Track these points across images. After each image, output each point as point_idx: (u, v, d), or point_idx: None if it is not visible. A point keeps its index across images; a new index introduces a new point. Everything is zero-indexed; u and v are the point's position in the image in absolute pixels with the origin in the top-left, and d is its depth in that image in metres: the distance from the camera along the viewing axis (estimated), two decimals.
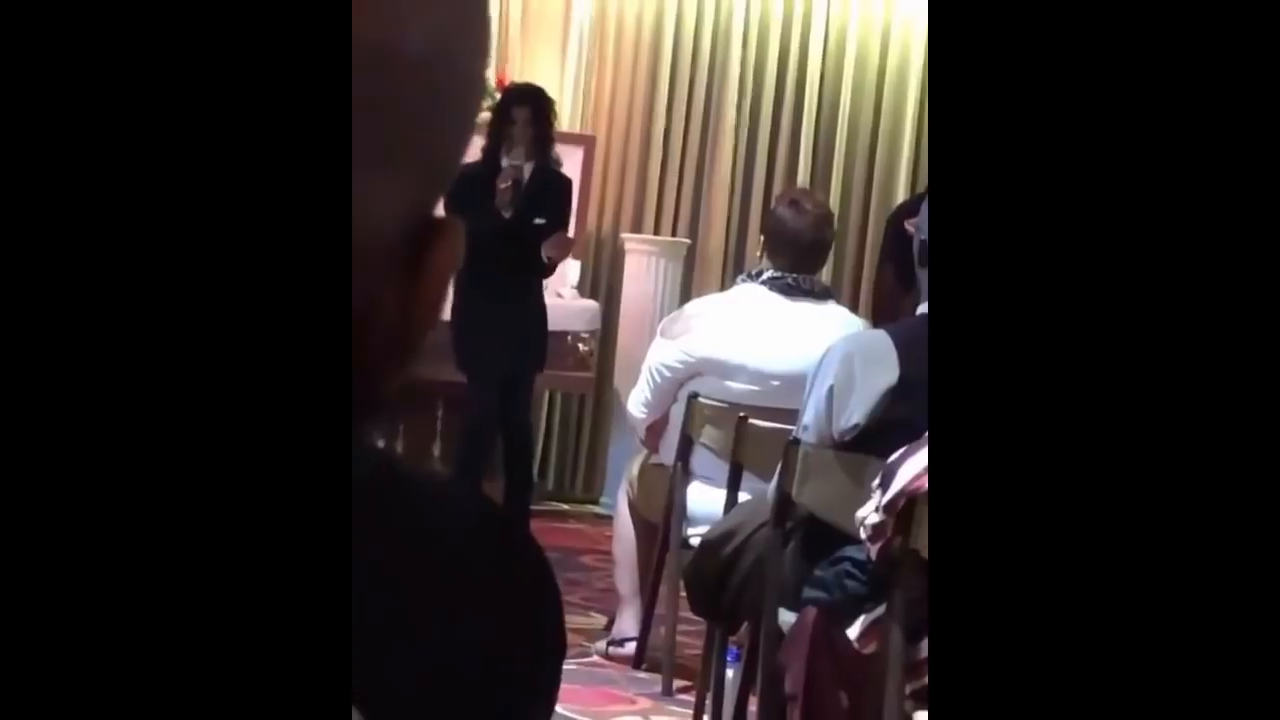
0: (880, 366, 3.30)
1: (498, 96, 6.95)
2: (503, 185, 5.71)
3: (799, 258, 4.53)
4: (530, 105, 5.90)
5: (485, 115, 6.12)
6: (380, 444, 0.71)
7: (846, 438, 3.34)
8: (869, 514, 2.99)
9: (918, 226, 3.52)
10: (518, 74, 7.45)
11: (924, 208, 3.47)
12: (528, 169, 5.84)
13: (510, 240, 5.69)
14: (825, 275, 5.05)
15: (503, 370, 5.84)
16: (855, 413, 3.32)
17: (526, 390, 6.05)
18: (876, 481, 3.01)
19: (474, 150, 5.69)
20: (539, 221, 5.79)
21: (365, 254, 0.54)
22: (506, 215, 5.69)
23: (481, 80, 0.60)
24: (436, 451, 6.86)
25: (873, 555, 3.04)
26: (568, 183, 6.14)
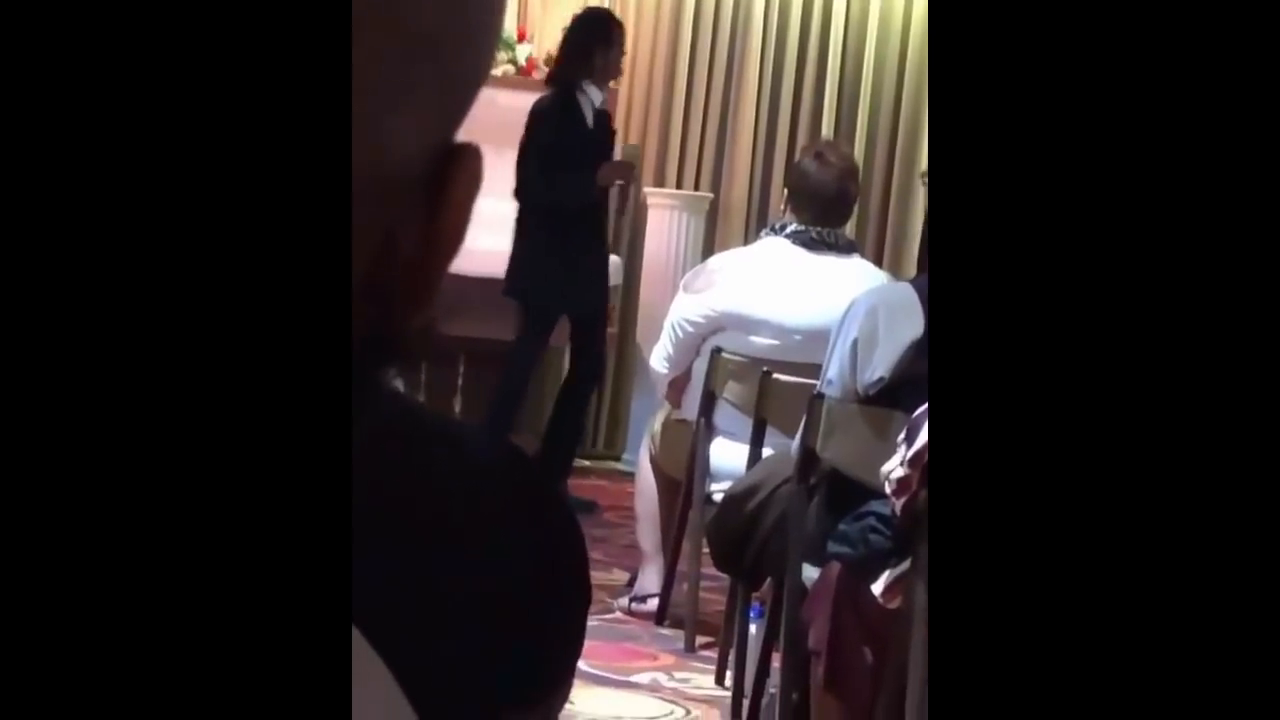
0: (905, 319, 3.28)
1: (516, 50, 6.95)
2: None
3: (823, 211, 4.49)
4: (622, 30, 6.02)
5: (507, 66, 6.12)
6: (401, 391, 0.70)
7: (871, 391, 3.33)
8: (894, 468, 2.97)
9: None
10: (540, 26, 7.41)
11: None
12: (600, 99, 5.93)
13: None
14: (849, 229, 5.02)
15: (582, 308, 5.96)
16: (880, 366, 3.30)
17: (604, 324, 6.21)
18: (902, 436, 2.99)
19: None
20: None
21: (387, 185, 0.53)
22: (595, 191, 5.82)
23: (502, 1, 0.58)
24: (458, 407, 6.86)
25: (898, 510, 3.02)
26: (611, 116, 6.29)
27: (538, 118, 5.80)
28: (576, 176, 5.74)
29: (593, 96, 5.92)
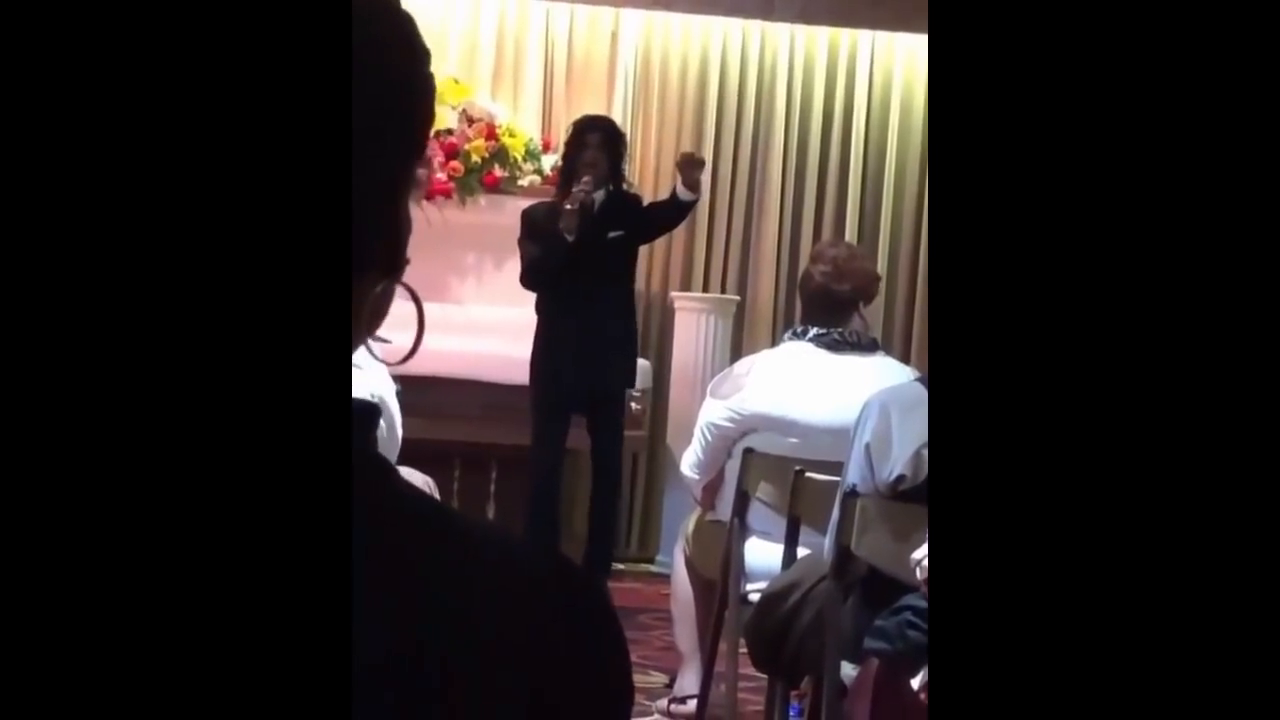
0: (918, 417, 3.30)
1: (542, 160, 7.03)
2: (568, 207, 5.84)
3: (833, 313, 4.53)
4: (601, 131, 6.05)
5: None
6: (435, 498, 0.71)
7: (896, 489, 3.34)
8: (924, 556, 2.98)
9: None
10: (564, 137, 7.49)
11: None
12: (599, 197, 5.97)
13: (580, 262, 5.82)
14: (876, 326, 5.04)
15: (581, 391, 5.93)
16: (897, 465, 3.32)
17: (615, 413, 6.13)
18: None
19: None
20: (614, 234, 5.98)
21: None
22: (570, 239, 5.83)
23: None
24: (491, 513, 6.86)
25: (926, 594, 3.02)
26: (639, 198, 6.37)
27: (524, 218, 6.10)
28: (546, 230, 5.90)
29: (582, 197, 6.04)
